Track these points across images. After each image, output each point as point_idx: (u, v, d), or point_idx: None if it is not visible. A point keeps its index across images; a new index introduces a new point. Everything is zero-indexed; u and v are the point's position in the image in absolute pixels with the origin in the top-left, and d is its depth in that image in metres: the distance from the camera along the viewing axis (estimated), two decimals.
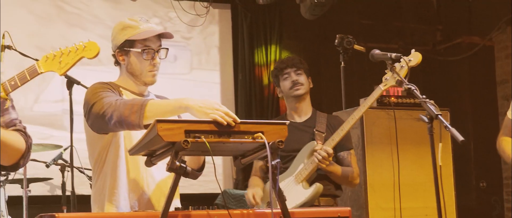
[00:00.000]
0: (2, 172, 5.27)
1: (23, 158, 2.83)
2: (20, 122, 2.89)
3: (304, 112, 4.55)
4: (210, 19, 8.22)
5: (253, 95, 8.29)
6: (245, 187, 6.81)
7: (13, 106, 2.90)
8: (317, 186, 4.25)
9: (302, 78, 4.48)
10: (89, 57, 2.48)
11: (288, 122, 2.93)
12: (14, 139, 2.78)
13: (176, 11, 7.94)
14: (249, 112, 8.12)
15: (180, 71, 7.96)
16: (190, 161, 3.13)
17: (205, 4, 8.13)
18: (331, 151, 4.22)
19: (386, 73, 4.11)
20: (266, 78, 8.27)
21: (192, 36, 8.14)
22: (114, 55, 3.42)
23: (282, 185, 4.23)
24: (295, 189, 4.30)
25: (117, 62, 3.44)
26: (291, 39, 8.56)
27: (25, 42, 6.37)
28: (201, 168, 3.29)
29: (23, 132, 2.85)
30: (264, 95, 8.31)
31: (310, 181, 4.31)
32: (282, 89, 4.55)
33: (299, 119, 4.55)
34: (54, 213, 2.63)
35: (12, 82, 2.51)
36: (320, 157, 4.19)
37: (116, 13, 7.55)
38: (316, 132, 4.44)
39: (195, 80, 8.09)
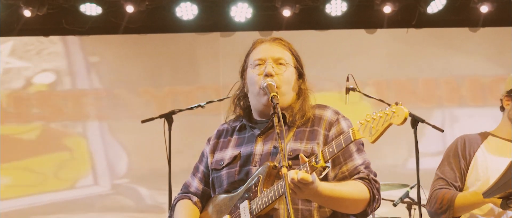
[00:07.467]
0: None
1: (369, 205, 2.78)
2: (366, 167, 2.83)
3: None
4: None
5: None
6: None
7: (359, 150, 2.87)
8: None
9: None
10: (397, 124, 2.45)
11: None
12: (352, 192, 2.73)
13: None
14: None
15: None
16: None
17: None
18: None
19: None
20: None
21: None
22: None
23: None
24: None
25: (502, 108, 3.37)
26: None
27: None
28: None
29: (367, 180, 2.79)
30: None
31: None
32: None
33: None
34: None
35: (330, 149, 2.57)
36: None
37: None
38: None
39: None
